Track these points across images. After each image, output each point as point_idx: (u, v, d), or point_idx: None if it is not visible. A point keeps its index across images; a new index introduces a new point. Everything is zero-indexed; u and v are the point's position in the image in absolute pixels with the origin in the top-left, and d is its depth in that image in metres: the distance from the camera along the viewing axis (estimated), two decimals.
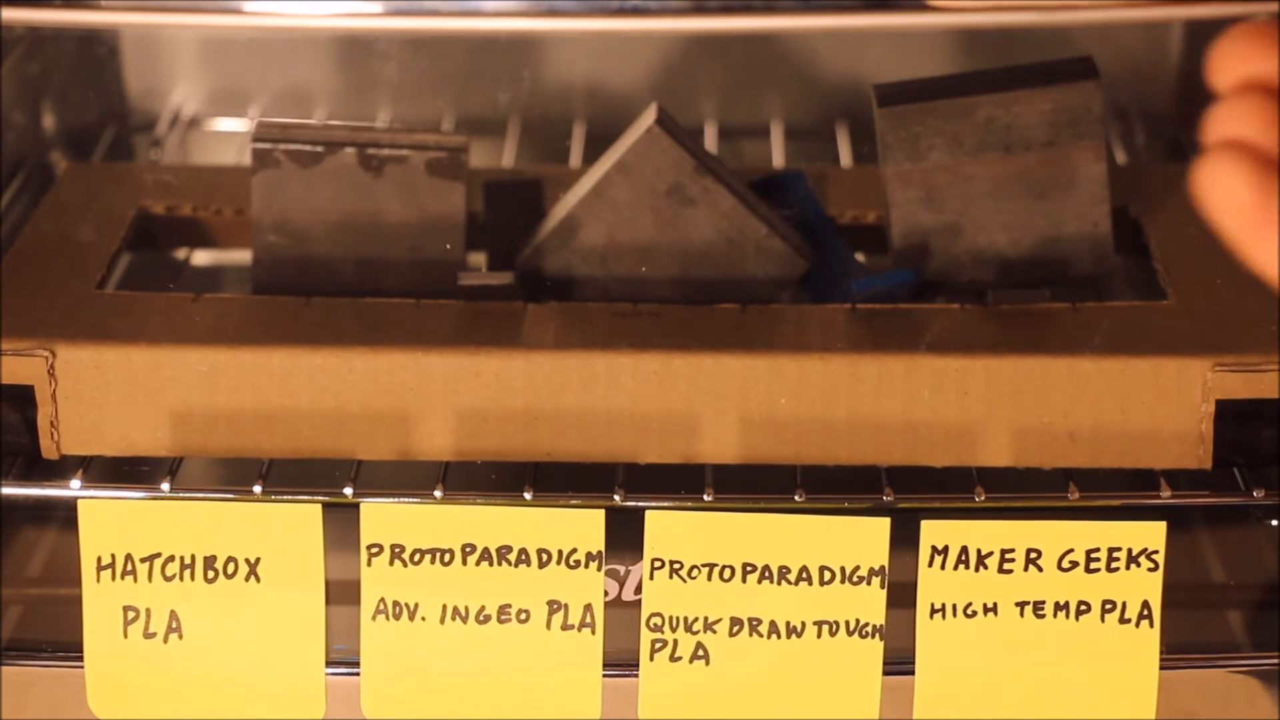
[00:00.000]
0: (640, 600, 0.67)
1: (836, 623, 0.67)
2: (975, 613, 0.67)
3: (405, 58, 1.01)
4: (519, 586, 0.67)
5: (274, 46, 1.01)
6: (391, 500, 0.69)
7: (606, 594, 0.68)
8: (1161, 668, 0.68)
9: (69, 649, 0.72)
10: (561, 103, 1.01)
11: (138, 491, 0.70)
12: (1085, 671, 0.68)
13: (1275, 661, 0.74)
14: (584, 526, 0.66)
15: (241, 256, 0.79)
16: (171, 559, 0.68)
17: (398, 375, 0.68)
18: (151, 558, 0.68)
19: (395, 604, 0.68)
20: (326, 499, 0.70)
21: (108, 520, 0.67)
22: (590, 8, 0.76)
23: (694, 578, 0.67)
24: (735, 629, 0.67)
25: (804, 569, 0.67)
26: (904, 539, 0.91)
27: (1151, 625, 0.67)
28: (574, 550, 0.67)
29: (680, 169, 0.72)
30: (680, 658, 0.67)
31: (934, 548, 0.66)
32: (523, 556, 0.67)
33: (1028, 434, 0.68)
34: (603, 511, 0.67)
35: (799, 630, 0.67)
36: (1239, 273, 0.74)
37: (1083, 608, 0.67)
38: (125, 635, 0.68)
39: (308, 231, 0.74)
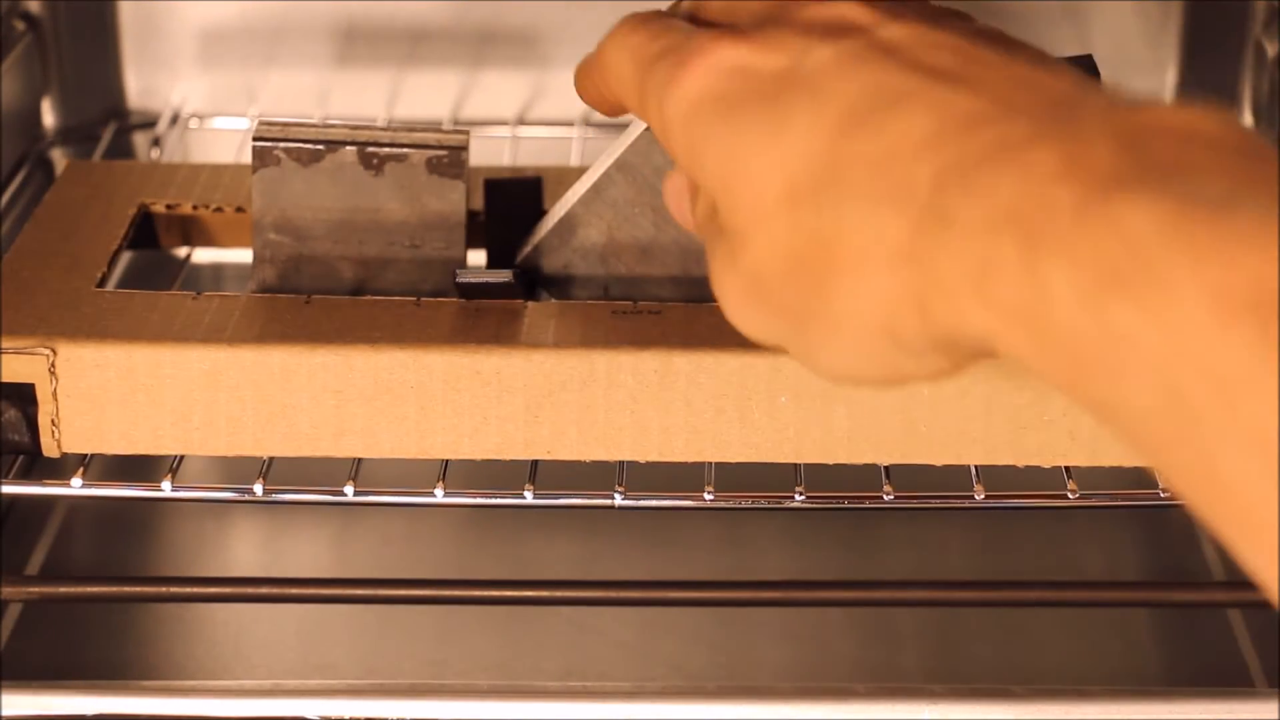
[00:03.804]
0: None
1: None
2: None
3: (407, 55, 1.01)
4: None
5: (275, 45, 1.01)
6: (391, 500, 0.69)
7: None
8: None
9: (68, 650, 0.72)
10: (562, 101, 1.01)
11: (138, 489, 0.71)
12: None
13: (1275, 663, 0.74)
14: None
15: (242, 255, 0.79)
16: None
17: (398, 373, 0.68)
18: None
19: None
20: (327, 499, 0.70)
21: None
22: None
23: None
24: None
25: None
26: (903, 537, 0.91)
27: None
28: None
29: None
30: None
31: None
32: None
33: (1027, 432, 0.68)
34: None
35: None
36: None
37: None
38: None
39: (308, 229, 0.74)
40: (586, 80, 0.61)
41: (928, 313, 0.47)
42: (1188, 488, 0.39)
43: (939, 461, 0.69)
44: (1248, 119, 0.99)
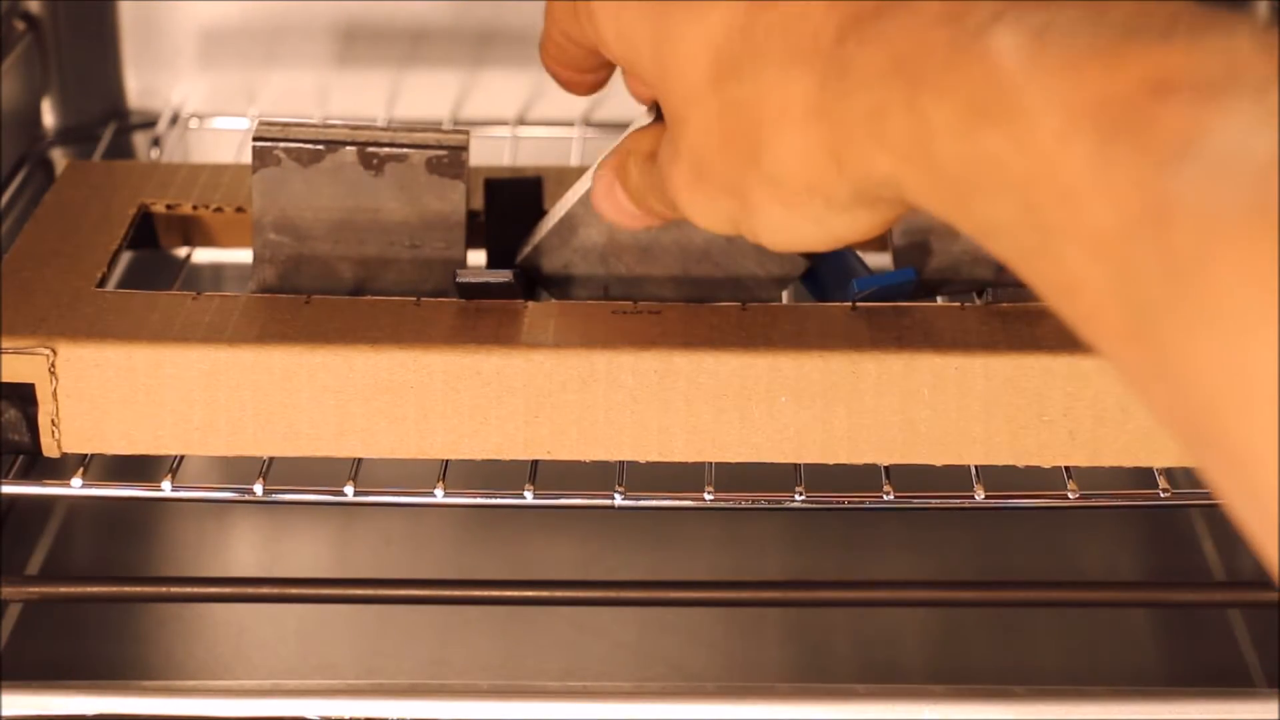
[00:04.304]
0: None
1: None
2: None
3: (407, 55, 1.01)
4: None
5: (275, 45, 1.01)
6: (391, 500, 0.69)
7: None
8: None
9: (68, 650, 0.72)
10: (563, 100, 1.01)
11: (138, 489, 0.71)
12: None
13: (1275, 663, 0.74)
14: None
15: (242, 255, 0.79)
16: None
17: (398, 374, 0.68)
18: None
19: None
20: (327, 499, 0.70)
21: None
22: None
23: None
24: None
25: None
26: (903, 537, 0.91)
27: None
28: None
29: None
30: None
31: None
32: None
33: (1027, 432, 0.68)
34: None
35: None
36: None
37: None
38: None
39: (308, 230, 0.74)
40: (548, 47, 0.63)
41: (842, 163, 0.49)
42: (1047, 293, 0.42)
43: (939, 461, 0.69)
44: None
